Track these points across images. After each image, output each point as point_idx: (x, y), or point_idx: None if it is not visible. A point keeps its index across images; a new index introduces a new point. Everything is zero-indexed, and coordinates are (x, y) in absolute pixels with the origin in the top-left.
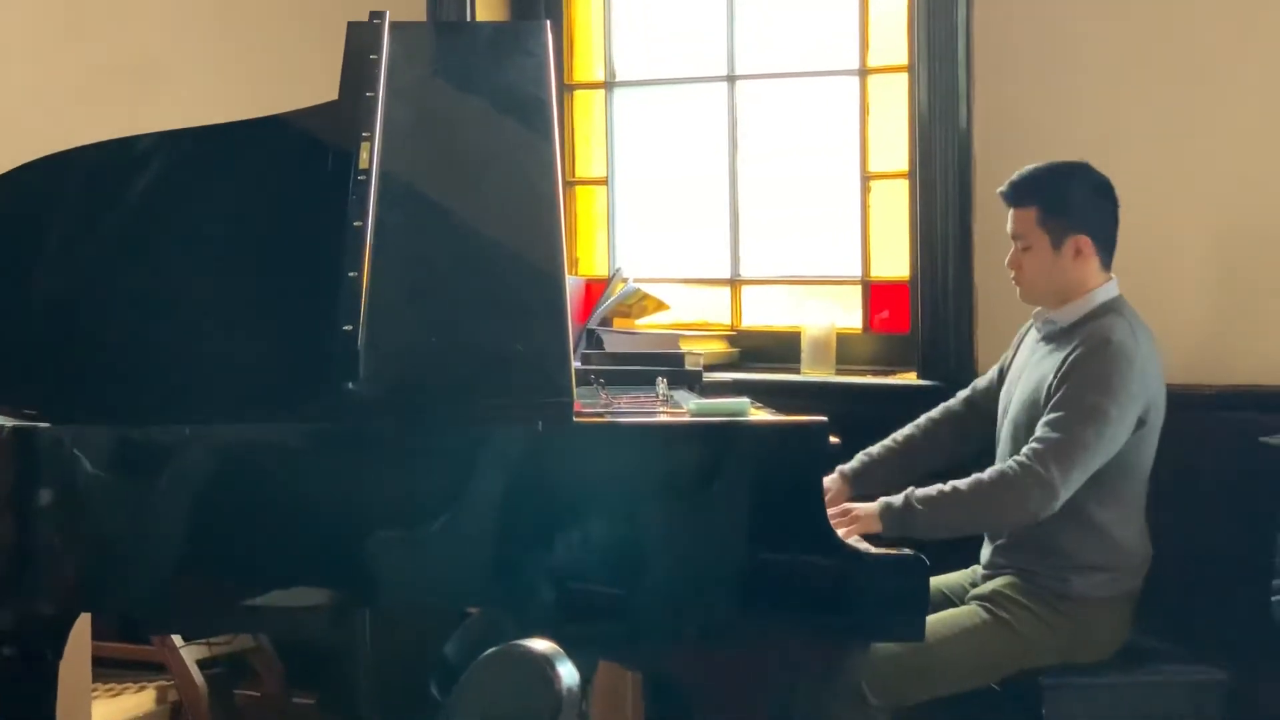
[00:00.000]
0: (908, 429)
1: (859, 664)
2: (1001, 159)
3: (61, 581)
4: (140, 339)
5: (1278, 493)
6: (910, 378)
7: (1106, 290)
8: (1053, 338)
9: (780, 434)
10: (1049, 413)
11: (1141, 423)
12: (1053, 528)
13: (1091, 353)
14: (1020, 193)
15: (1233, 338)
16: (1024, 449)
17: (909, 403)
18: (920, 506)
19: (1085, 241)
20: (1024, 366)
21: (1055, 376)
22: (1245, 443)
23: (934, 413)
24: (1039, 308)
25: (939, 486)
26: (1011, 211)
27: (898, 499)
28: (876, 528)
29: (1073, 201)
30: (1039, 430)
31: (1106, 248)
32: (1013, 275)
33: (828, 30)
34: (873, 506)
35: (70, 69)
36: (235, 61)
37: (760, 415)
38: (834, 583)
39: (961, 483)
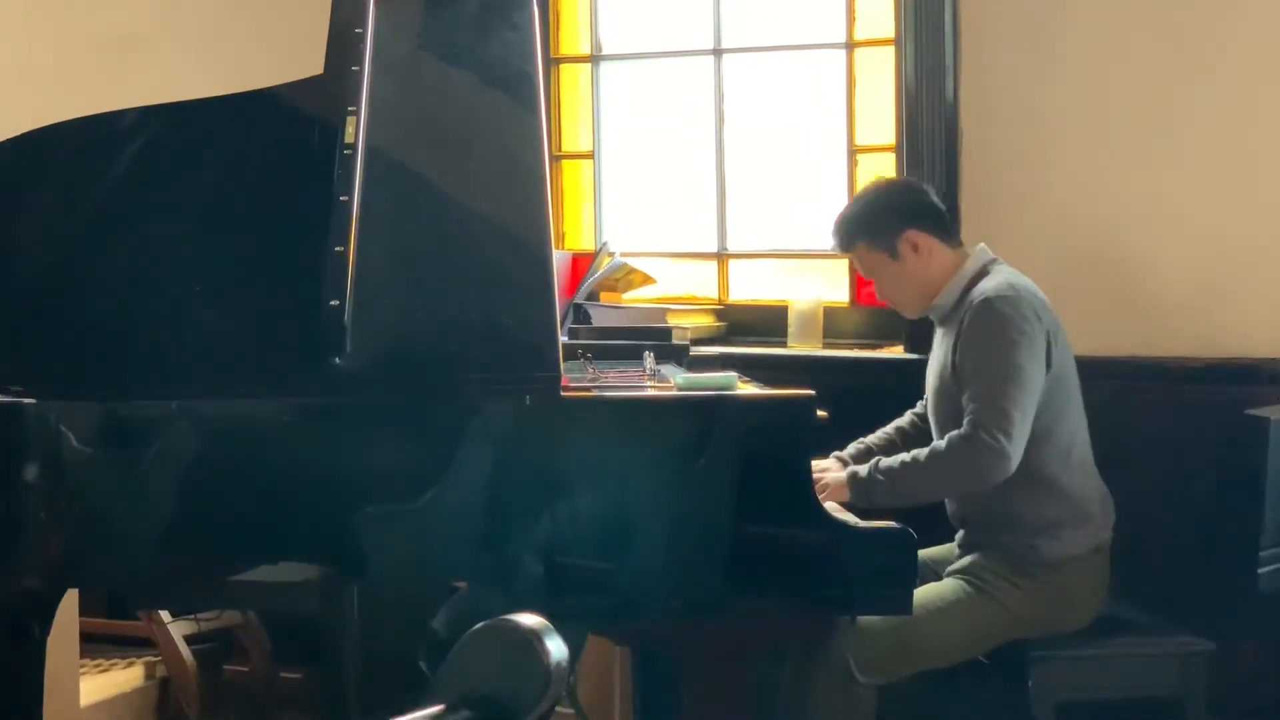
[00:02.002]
0: (907, 418)
1: (846, 638)
2: (988, 132)
3: (48, 557)
4: (126, 314)
5: (1264, 464)
6: (897, 351)
7: (973, 262)
8: (944, 320)
9: (767, 408)
10: (967, 386)
11: (1049, 363)
12: (1003, 494)
13: (976, 318)
14: (842, 239)
15: (1219, 310)
16: (964, 420)
17: (896, 376)
18: (882, 477)
19: (915, 235)
20: (931, 357)
21: (954, 353)
22: (1231, 415)
23: (919, 408)
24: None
25: (901, 457)
26: (850, 258)
27: (864, 468)
28: (845, 496)
29: (879, 215)
30: (966, 405)
31: (941, 230)
32: (889, 305)
33: (814, 3)
34: (841, 475)
35: (52, 43)
36: (220, 35)
37: (747, 389)
38: (822, 556)
39: (921, 452)
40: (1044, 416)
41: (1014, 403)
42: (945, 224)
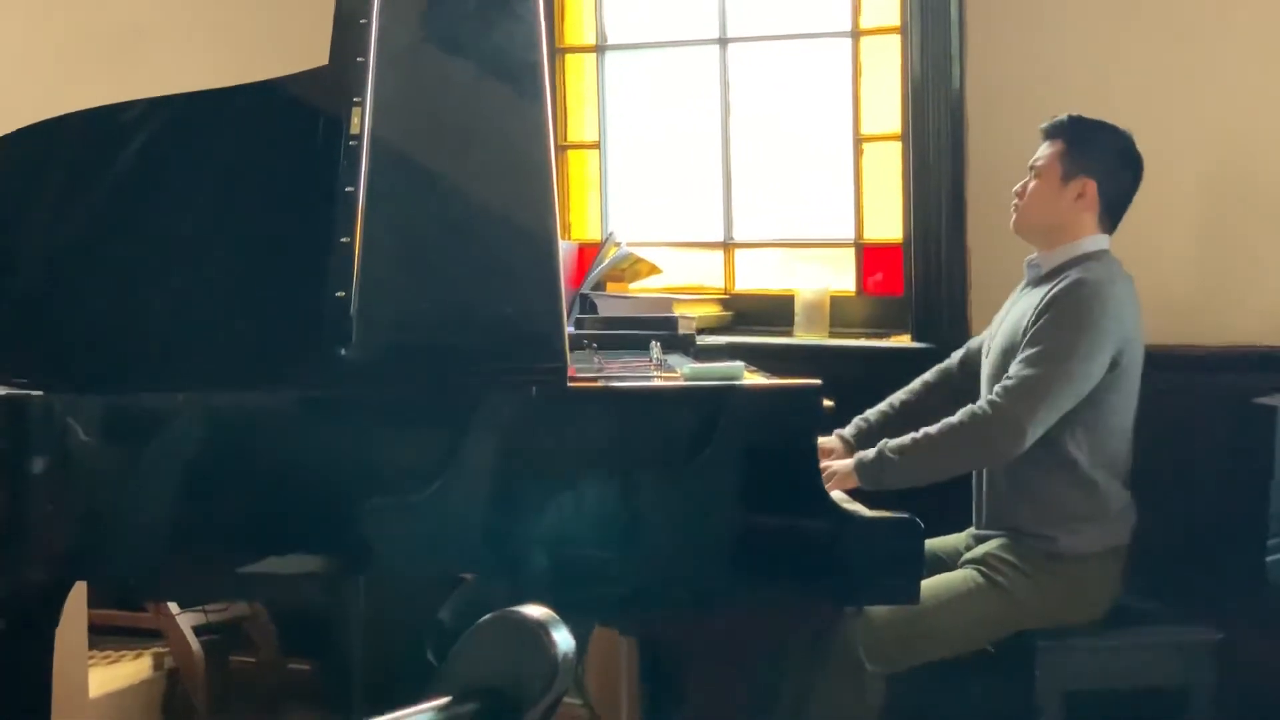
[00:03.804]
0: (902, 393)
1: (854, 628)
2: (994, 120)
3: (56, 550)
4: (131, 307)
5: (1272, 453)
6: (904, 340)
7: (1095, 241)
8: (1036, 281)
9: (774, 397)
10: (1022, 350)
11: (1115, 364)
12: (1036, 472)
13: (1066, 292)
14: (1056, 127)
15: (1224, 298)
16: (996, 387)
17: (903, 365)
18: (893, 456)
19: (1091, 187)
20: (1006, 313)
21: (1032, 315)
22: (1237, 403)
23: (928, 375)
24: (1030, 255)
25: (911, 435)
26: (1043, 144)
27: (871, 452)
28: (854, 483)
29: (1096, 149)
30: (1011, 368)
31: (1111, 209)
32: (1015, 202)
33: None
34: (848, 462)
35: (56, 34)
36: (225, 26)
37: (754, 379)
38: (829, 546)
39: (933, 428)
40: (1093, 408)
41: (1053, 382)
42: (1116, 211)
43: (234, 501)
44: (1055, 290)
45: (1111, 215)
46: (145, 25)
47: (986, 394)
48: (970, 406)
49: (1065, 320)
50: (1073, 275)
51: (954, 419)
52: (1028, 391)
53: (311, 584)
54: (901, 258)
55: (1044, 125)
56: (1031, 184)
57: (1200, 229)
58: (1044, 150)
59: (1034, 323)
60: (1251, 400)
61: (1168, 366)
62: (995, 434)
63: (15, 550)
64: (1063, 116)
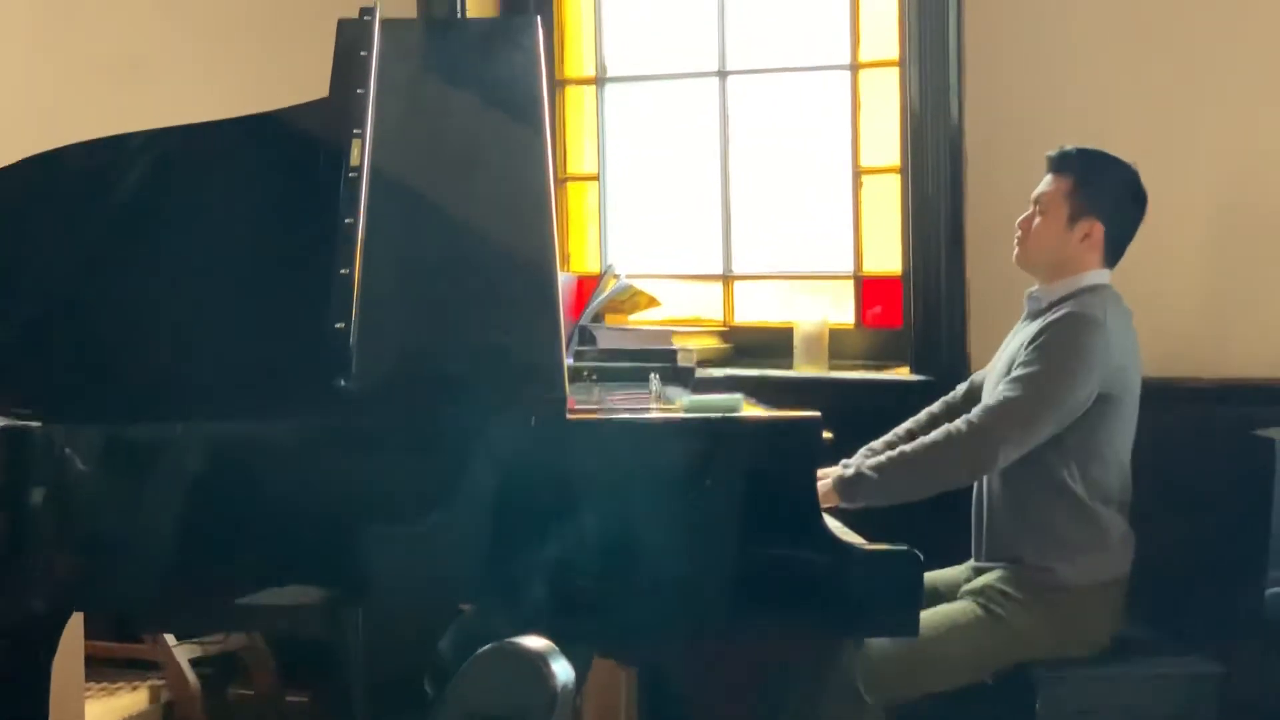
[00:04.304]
0: (909, 423)
1: (853, 660)
2: (993, 153)
3: (54, 580)
4: (132, 337)
5: (1272, 486)
6: (903, 373)
7: (1096, 276)
8: (1035, 314)
9: (774, 429)
10: (1013, 371)
11: (1107, 397)
12: (1034, 503)
13: (1057, 323)
14: (1065, 161)
15: (1226, 330)
16: (976, 408)
17: (902, 397)
18: (871, 473)
19: (1098, 229)
20: (1006, 345)
21: (1025, 344)
22: (1238, 435)
23: (934, 407)
24: (1031, 288)
25: (889, 453)
26: (1048, 177)
27: (849, 470)
28: (834, 501)
29: (1105, 188)
30: (994, 391)
31: (1115, 247)
32: (1018, 235)
33: (818, 25)
34: (827, 481)
35: (59, 66)
36: (225, 58)
37: (753, 411)
38: (828, 578)
39: (909, 445)
40: (1088, 438)
41: (1026, 419)
42: (1120, 248)
43: (233, 532)
44: (1049, 321)
45: (1115, 252)
46: (146, 56)
47: None
48: (947, 425)
49: (1052, 349)
50: (1067, 307)
51: (930, 436)
52: (1005, 413)
53: (310, 615)
54: (900, 290)
55: (1051, 155)
56: (1037, 220)
57: (1203, 261)
58: (1050, 184)
59: (1025, 351)
60: (1253, 432)
61: (1170, 398)
62: (968, 452)
63: (13, 580)
64: (1070, 149)
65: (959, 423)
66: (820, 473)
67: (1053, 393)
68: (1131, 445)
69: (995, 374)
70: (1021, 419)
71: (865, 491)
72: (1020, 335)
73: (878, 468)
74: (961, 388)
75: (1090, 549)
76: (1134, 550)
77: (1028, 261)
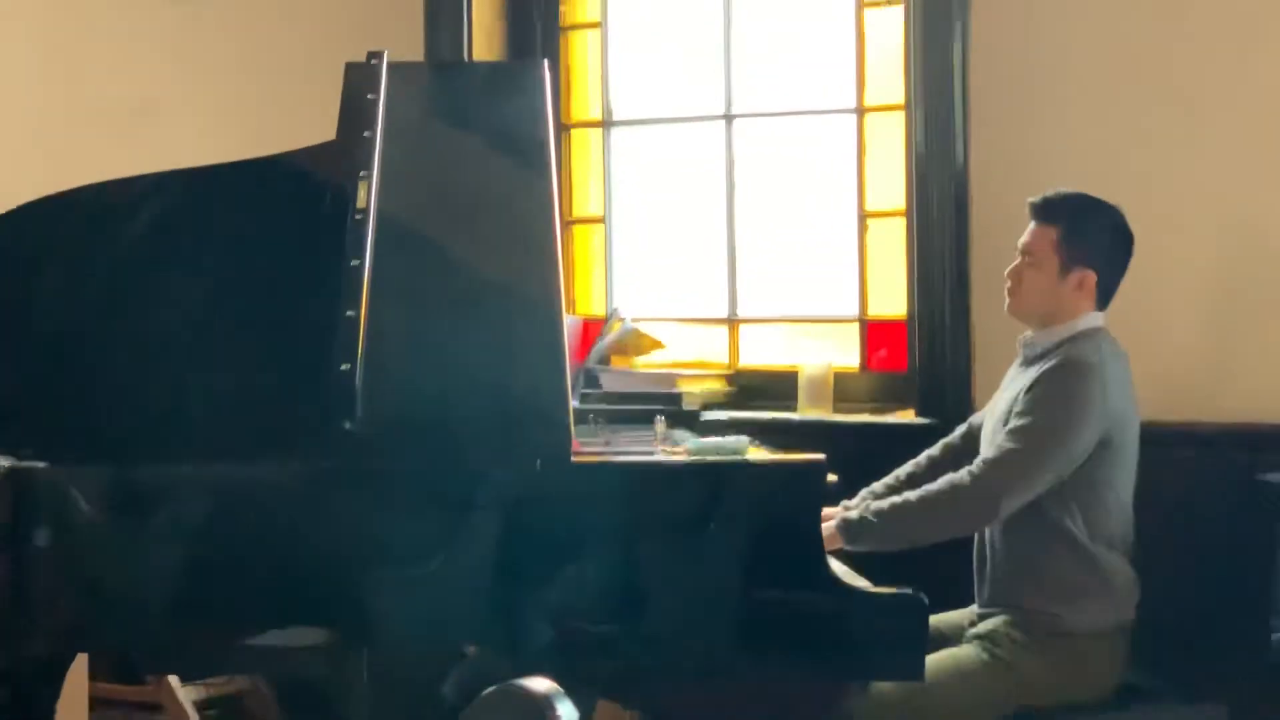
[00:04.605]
0: (909, 465)
1: (858, 703)
2: (998, 197)
3: (58, 621)
4: (138, 379)
5: (1275, 530)
6: (908, 416)
7: (1089, 320)
8: (1029, 360)
9: (779, 473)
10: (1011, 421)
11: (1107, 442)
12: (1037, 550)
13: (1053, 371)
14: (1049, 210)
15: (1229, 374)
16: (977, 459)
17: (907, 441)
18: (874, 519)
19: (1091, 278)
20: (1002, 392)
21: (1022, 393)
22: (1241, 480)
23: (934, 449)
24: (1024, 333)
25: (893, 499)
26: (1033, 225)
27: (854, 513)
28: (838, 543)
29: (1095, 235)
30: (997, 439)
31: (1106, 291)
32: (1008, 285)
33: (824, 69)
34: (831, 524)
35: (66, 110)
36: (234, 101)
37: (758, 454)
38: (833, 621)
39: (914, 493)
40: (1088, 484)
41: (1033, 457)
42: (1113, 292)
43: (238, 573)
44: (1046, 368)
45: (1106, 295)
46: (154, 99)
47: None
48: (951, 475)
49: (1050, 399)
50: (1062, 354)
51: (934, 485)
52: (1007, 465)
53: (314, 657)
54: (906, 334)
55: (1034, 203)
56: (1026, 272)
57: (1207, 304)
58: (1037, 234)
59: (1023, 400)
60: (1257, 477)
61: (1173, 442)
62: (970, 504)
63: (18, 621)
64: (1053, 195)
65: (962, 474)
66: (825, 511)
67: (1053, 443)
68: (1133, 487)
69: (994, 419)
70: (1022, 471)
71: (868, 536)
72: (1016, 381)
73: (880, 513)
74: (960, 430)
75: (1095, 594)
76: (1139, 595)
77: (1021, 312)
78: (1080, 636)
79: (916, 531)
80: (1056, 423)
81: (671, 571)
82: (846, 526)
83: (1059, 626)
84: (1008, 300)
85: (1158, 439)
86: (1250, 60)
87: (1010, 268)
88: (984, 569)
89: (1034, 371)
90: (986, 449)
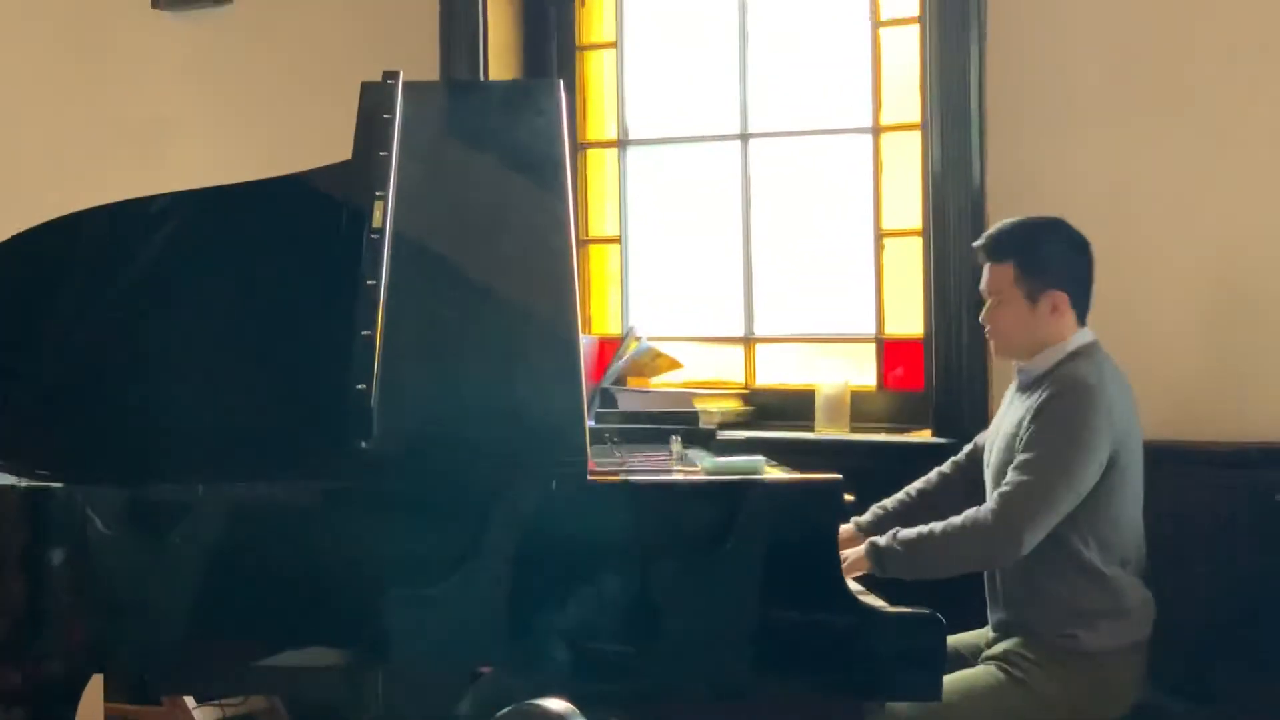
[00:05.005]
0: (919, 482)
1: None
2: (1014, 215)
3: (74, 642)
4: (153, 399)
5: None
6: (925, 435)
7: (1079, 338)
8: (1027, 386)
9: (795, 492)
10: (1019, 455)
11: (1114, 462)
12: (1049, 575)
13: (1057, 396)
14: (998, 248)
15: (1242, 393)
16: (994, 494)
17: (924, 460)
18: (900, 548)
19: (1061, 298)
20: (1002, 416)
21: (1025, 421)
22: (1259, 500)
23: (944, 466)
24: (1019, 361)
25: (919, 530)
26: (987, 266)
27: (883, 539)
28: (865, 569)
29: (1050, 257)
30: (1009, 474)
31: (1081, 303)
32: (986, 330)
33: (840, 88)
34: (860, 549)
35: (83, 129)
36: (249, 121)
37: (775, 473)
38: (850, 640)
39: (939, 526)
40: (1096, 506)
41: (1050, 489)
42: (1088, 301)
43: (253, 594)
44: (1047, 395)
45: (1084, 308)
46: (170, 119)
47: (990, 497)
48: (973, 511)
49: (1057, 426)
50: (1063, 377)
51: (958, 520)
52: (1025, 499)
53: (329, 677)
54: (922, 353)
55: (980, 245)
56: (996, 312)
57: (1220, 322)
58: (995, 274)
59: (1028, 429)
60: (1275, 497)
61: (1188, 462)
62: (994, 541)
63: (34, 642)
64: (994, 232)
65: (984, 512)
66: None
67: (1066, 471)
68: (1142, 503)
69: (997, 446)
70: (1042, 504)
71: (894, 565)
72: (1016, 408)
73: (907, 543)
74: (965, 449)
75: (1109, 614)
76: (1154, 612)
77: (1007, 352)
78: (1096, 655)
79: (942, 565)
80: (1067, 449)
81: (688, 591)
82: (874, 551)
83: (1076, 647)
84: (991, 344)
85: (1173, 459)
86: (1265, 79)
87: (982, 314)
88: (995, 593)
89: (1034, 398)
90: (994, 479)
